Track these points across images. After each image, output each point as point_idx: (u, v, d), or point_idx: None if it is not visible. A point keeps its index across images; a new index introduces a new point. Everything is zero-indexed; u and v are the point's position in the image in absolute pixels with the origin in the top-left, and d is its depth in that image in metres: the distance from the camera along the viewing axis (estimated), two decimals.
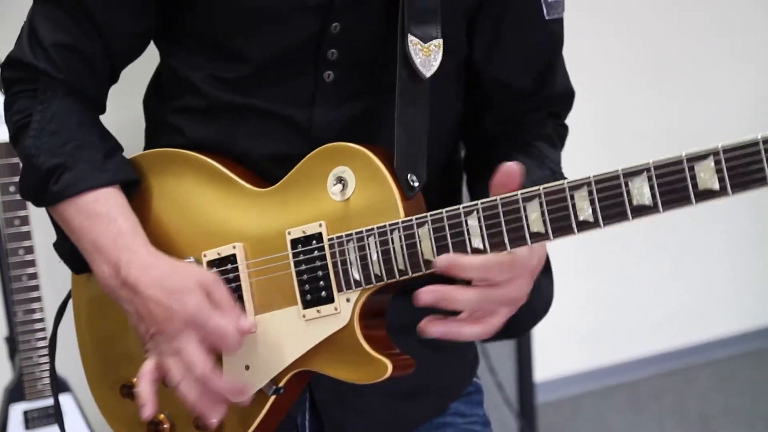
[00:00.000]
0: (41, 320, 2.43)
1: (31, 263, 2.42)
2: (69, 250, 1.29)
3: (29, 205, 2.39)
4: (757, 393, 3.77)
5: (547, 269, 1.26)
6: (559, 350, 3.74)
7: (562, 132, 1.41)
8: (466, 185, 1.43)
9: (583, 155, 1.39)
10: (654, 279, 3.99)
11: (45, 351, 2.44)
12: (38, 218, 2.41)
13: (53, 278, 2.37)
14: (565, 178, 1.29)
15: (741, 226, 4.06)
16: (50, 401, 2.46)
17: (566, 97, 1.40)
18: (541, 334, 3.17)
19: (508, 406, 2.87)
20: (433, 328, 1.15)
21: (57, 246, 1.33)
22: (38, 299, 2.42)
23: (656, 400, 3.78)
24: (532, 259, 1.15)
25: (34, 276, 2.42)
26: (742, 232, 4.10)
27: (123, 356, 1.32)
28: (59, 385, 2.47)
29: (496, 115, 1.38)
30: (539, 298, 1.24)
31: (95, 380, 1.36)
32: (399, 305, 1.24)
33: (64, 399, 2.48)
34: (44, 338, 2.44)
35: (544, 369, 3.45)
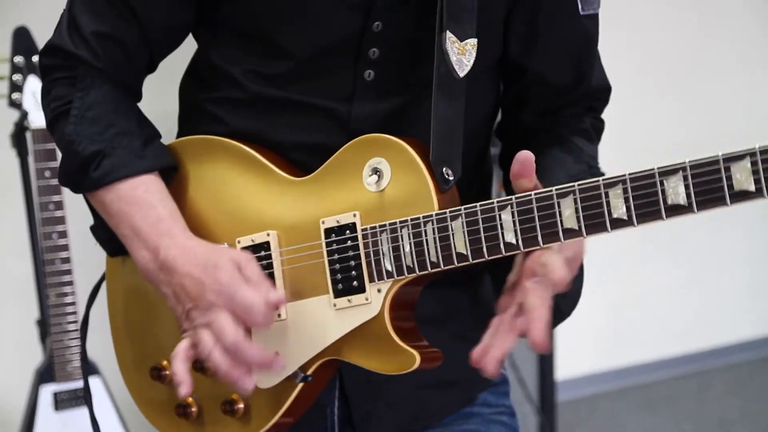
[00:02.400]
0: (72, 304, 2.47)
1: (65, 248, 2.45)
2: (106, 234, 1.31)
3: (64, 190, 2.43)
4: None
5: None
6: (577, 350, 3.74)
7: (599, 126, 1.42)
8: (501, 181, 1.44)
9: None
10: (673, 284, 3.99)
11: (76, 334, 2.47)
12: (72, 203, 2.45)
13: (86, 263, 2.40)
14: (601, 173, 1.31)
15: (760, 232, 4.05)
16: (79, 383, 2.49)
17: (603, 92, 1.41)
18: (562, 333, 3.18)
19: (529, 402, 2.88)
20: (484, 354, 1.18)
21: (94, 230, 1.35)
22: (70, 283, 2.46)
23: (674, 403, 3.77)
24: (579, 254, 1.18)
25: (67, 260, 2.46)
26: (761, 239, 4.08)
27: (155, 339, 1.34)
28: (89, 368, 2.50)
29: (534, 110, 1.39)
30: (575, 288, 1.24)
31: (126, 362, 1.38)
32: (428, 297, 1.26)
33: (93, 381, 2.51)
34: (75, 322, 2.47)
35: (562, 368, 3.45)
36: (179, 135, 1.40)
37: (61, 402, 2.50)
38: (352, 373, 1.32)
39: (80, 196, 1.33)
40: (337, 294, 1.22)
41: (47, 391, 2.50)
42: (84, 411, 2.48)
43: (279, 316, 1.25)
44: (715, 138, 3.81)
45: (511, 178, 1.16)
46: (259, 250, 1.27)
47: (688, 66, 3.89)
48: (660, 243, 3.80)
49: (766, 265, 4.14)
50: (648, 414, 3.72)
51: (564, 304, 1.24)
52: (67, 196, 2.45)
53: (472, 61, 1.23)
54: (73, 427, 2.52)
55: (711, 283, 4.04)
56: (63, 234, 2.45)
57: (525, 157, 1.14)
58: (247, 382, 1.19)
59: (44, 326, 2.56)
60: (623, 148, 3.29)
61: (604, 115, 1.44)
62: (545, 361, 2.97)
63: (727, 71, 3.95)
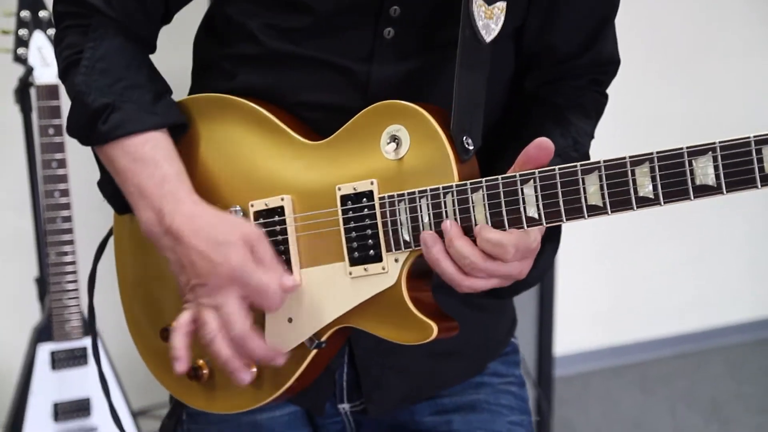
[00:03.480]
0: (72, 263, 2.45)
1: (66, 206, 2.43)
2: (113, 190, 1.28)
3: (67, 148, 2.41)
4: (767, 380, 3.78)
5: (556, 238, 1.26)
6: (574, 327, 3.75)
7: (601, 101, 1.39)
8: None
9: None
10: (672, 264, 3.99)
11: (74, 293, 2.46)
12: (75, 162, 2.43)
13: (87, 223, 2.39)
14: (586, 151, 1.29)
15: (760, 215, 4.05)
16: (77, 343, 2.48)
17: (610, 64, 1.38)
18: (561, 310, 3.18)
19: (526, 376, 2.88)
20: (425, 233, 1.15)
21: (101, 185, 1.33)
22: (71, 242, 2.44)
23: (668, 383, 3.78)
24: (536, 242, 1.15)
25: (68, 219, 2.44)
26: (761, 221, 4.08)
27: (165, 300, 1.32)
28: (88, 328, 2.49)
29: (537, 77, 1.36)
30: (536, 271, 1.21)
31: (135, 322, 1.36)
32: None
33: (90, 340, 2.50)
34: (74, 281, 2.45)
35: (559, 344, 3.46)
36: (192, 92, 1.37)
37: (59, 361, 2.49)
38: (361, 339, 1.31)
39: (83, 156, 1.30)
40: (353, 262, 1.21)
41: (45, 350, 2.49)
42: (81, 370, 2.50)
43: (281, 304, 1.22)
44: (717, 121, 3.81)
45: (523, 155, 1.13)
46: (273, 215, 1.25)
47: (690, 48, 3.87)
48: (660, 222, 3.80)
49: (762, 248, 4.14)
50: (641, 393, 3.73)
51: (529, 278, 1.22)
52: (71, 154, 2.42)
53: (500, 26, 1.20)
54: (69, 386, 2.51)
55: (710, 264, 4.05)
56: (65, 192, 2.43)
57: (547, 146, 1.12)
58: (246, 376, 1.19)
59: (43, 285, 2.54)
60: (624, 128, 3.29)
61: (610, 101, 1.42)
62: (544, 336, 2.97)
63: (730, 54, 3.93)
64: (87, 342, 2.50)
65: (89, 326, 1.39)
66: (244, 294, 1.17)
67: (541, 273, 1.26)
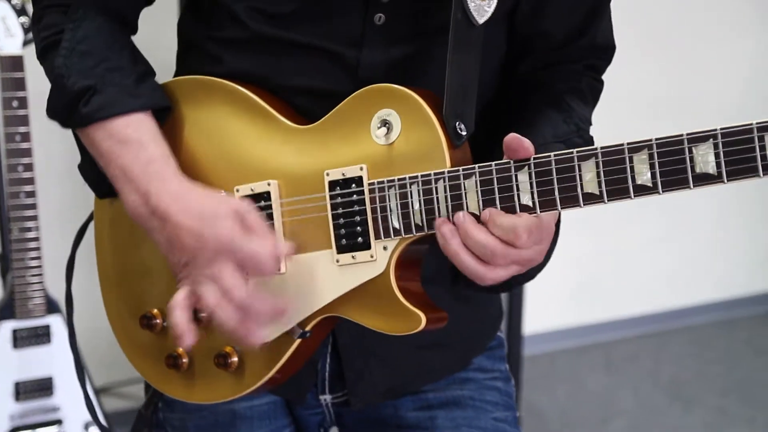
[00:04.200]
0: (36, 239, 2.39)
1: (30, 181, 2.36)
2: (95, 174, 1.24)
3: (32, 121, 2.34)
4: (731, 361, 3.81)
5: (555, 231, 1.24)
6: (539, 307, 3.75)
7: (597, 87, 1.37)
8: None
9: None
10: (638, 244, 4.00)
11: (38, 270, 2.40)
12: (39, 135, 2.36)
13: (50, 198, 2.32)
14: (590, 137, 1.27)
15: (725, 197, 4.07)
16: (39, 321, 2.43)
17: (606, 50, 1.36)
18: (529, 289, 3.18)
19: None
20: (444, 226, 1.11)
21: (82, 168, 1.28)
22: (34, 218, 2.37)
23: (632, 363, 3.81)
24: (548, 223, 1.13)
25: (31, 194, 2.37)
26: (726, 204, 4.11)
27: (146, 286, 1.28)
28: (51, 307, 2.44)
29: (532, 62, 1.33)
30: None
31: (114, 308, 1.32)
32: (428, 255, 1.21)
33: (54, 320, 2.45)
34: (38, 257, 2.39)
35: (527, 323, 3.46)
36: (177, 75, 1.33)
37: (20, 339, 2.43)
38: (345, 330, 1.28)
39: (48, 130, 1.26)
40: (341, 249, 1.17)
41: (6, 328, 2.43)
42: (43, 349, 2.45)
43: (278, 270, 1.19)
44: (699, 102, 3.82)
45: (504, 146, 1.09)
46: (259, 200, 1.21)
47: (672, 29, 3.86)
48: (626, 203, 3.80)
49: (730, 229, 4.17)
50: (606, 373, 3.75)
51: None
52: (35, 128, 2.35)
53: (493, 7, 1.17)
54: (31, 365, 2.45)
55: (675, 245, 4.07)
56: (29, 167, 2.36)
57: (519, 144, 1.08)
58: (259, 336, 1.13)
59: (5, 261, 2.48)
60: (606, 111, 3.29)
61: None
62: (514, 315, 2.96)
63: (711, 35, 3.93)
64: (50, 320, 2.44)
65: (67, 315, 1.34)
66: (237, 262, 1.12)
67: (542, 266, 1.23)
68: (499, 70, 1.34)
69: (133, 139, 1.18)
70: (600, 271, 3.98)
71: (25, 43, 2.38)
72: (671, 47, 3.87)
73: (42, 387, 2.47)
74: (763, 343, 3.93)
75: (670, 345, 3.95)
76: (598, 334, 3.98)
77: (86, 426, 2.52)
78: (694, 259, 4.12)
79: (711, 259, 4.15)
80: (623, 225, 3.93)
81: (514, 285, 1.28)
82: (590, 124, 1.32)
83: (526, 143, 1.07)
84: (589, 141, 1.26)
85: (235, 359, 1.22)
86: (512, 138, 1.08)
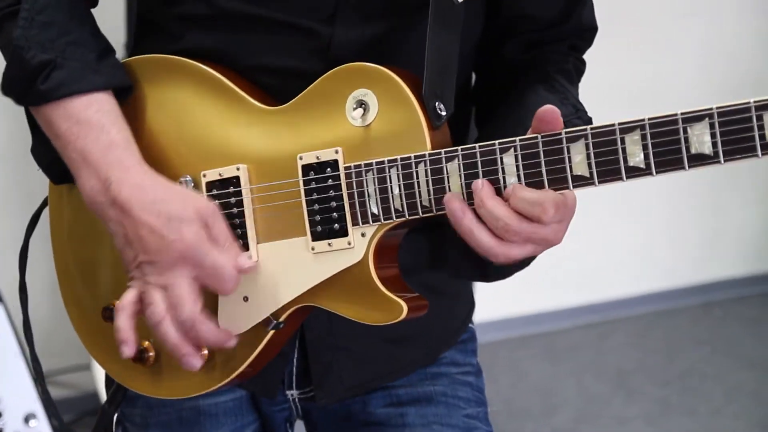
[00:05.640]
0: None
1: None
2: (50, 157, 1.17)
3: None
4: (673, 351, 3.84)
5: None
6: (480, 297, 3.72)
7: (581, 67, 1.34)
8: (474, 117, 1.35)
9: None
10: (578, 234, 3.99)
11: None
12: None
13: None
14: (589, 118, 1.23)
15: (667, 187, 4.09)
16: None
17: (589, 31, 1.33)
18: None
19: None
20: (453, 202, 1.05)
21: (35, 152, 1.21)
22: None
23: (575, 353, 3.81)
24: (573, 201, 1.09)
25: None
26: (668, 194, 4.13)
27: (107, 277, 1.22)
28: None
29: (517, 43, 1.30)
30: None
31: (73, 300, 1.26)
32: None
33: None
34: None
35: None
36: (133, 54, 1.25)
37: None
38: (313, 323, 1.23)
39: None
40: (316, 237, 1.12)
41: None
42: None
43: (249, 257, 1.13)
44: (672, 83, 3.82)
45: (535, 120, 1.04)
46: (228, 186, 1.15)
47: (645, 9, 3.87)
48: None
49: (673, 219, 4.20)
50: (549, 363, 3.74)
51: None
52: None
53: None
54: None
55: (616, 235, 4.08)
56: None
57: (553, 116, 1.03)
58: (195, 361, 1.10)
59: None
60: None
61: None
62: None
63: (687, 15, 3.94)
64: None
65: (21, 306, 1.26)
66: (195, 274, 1.08)
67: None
68: (474, 50, 1.29)
69: (94, 120, 1.12)
70: (542, 261, 3.97)
71: None
72: (648, 29, 3.88)
73: None
74: (704, 333, 3.96)
75: (612, 335, 3.96)
76: (540, 325, 3.98)
77: (26, 419, 2.42)
78: (636, 250, 4.13)
79: (653, 250, 4.17)
80: None
81: (495, 278, 1.24)
82: (581, 103, 1.28)
83: (561, 118, 1.03)
84: (589, 122, 1.23)
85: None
86: (550, 110, 1.03)
